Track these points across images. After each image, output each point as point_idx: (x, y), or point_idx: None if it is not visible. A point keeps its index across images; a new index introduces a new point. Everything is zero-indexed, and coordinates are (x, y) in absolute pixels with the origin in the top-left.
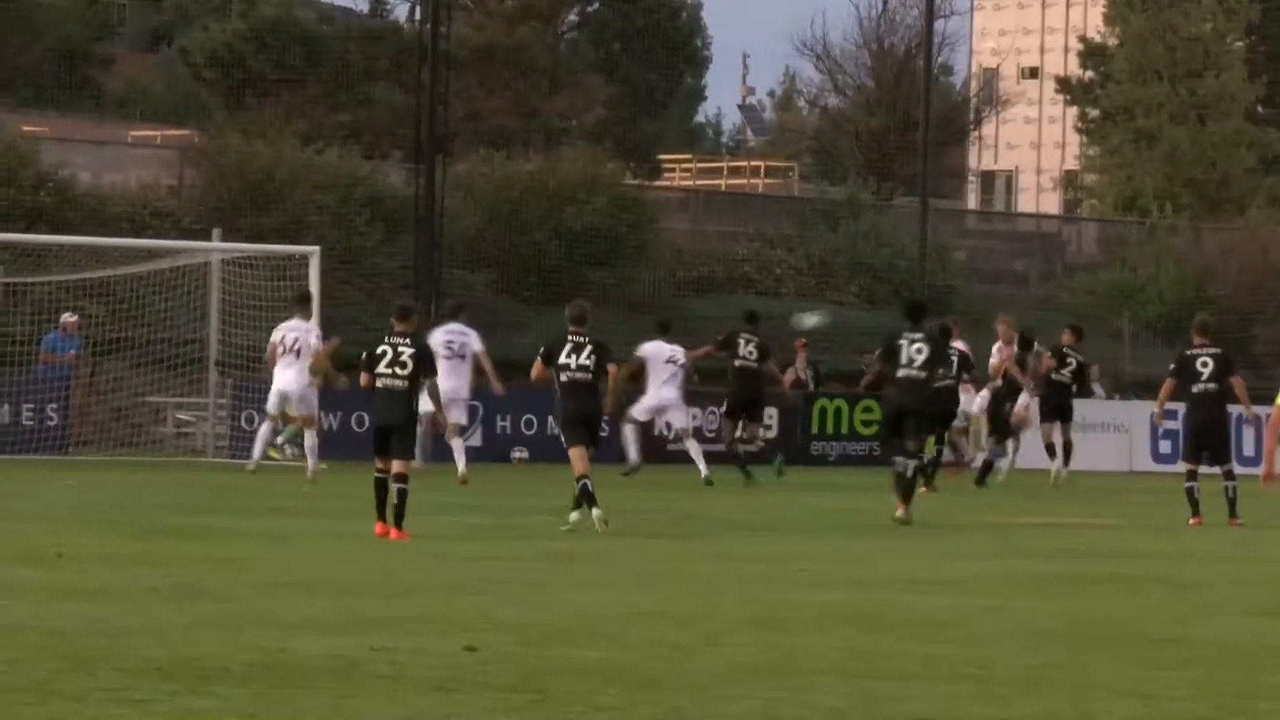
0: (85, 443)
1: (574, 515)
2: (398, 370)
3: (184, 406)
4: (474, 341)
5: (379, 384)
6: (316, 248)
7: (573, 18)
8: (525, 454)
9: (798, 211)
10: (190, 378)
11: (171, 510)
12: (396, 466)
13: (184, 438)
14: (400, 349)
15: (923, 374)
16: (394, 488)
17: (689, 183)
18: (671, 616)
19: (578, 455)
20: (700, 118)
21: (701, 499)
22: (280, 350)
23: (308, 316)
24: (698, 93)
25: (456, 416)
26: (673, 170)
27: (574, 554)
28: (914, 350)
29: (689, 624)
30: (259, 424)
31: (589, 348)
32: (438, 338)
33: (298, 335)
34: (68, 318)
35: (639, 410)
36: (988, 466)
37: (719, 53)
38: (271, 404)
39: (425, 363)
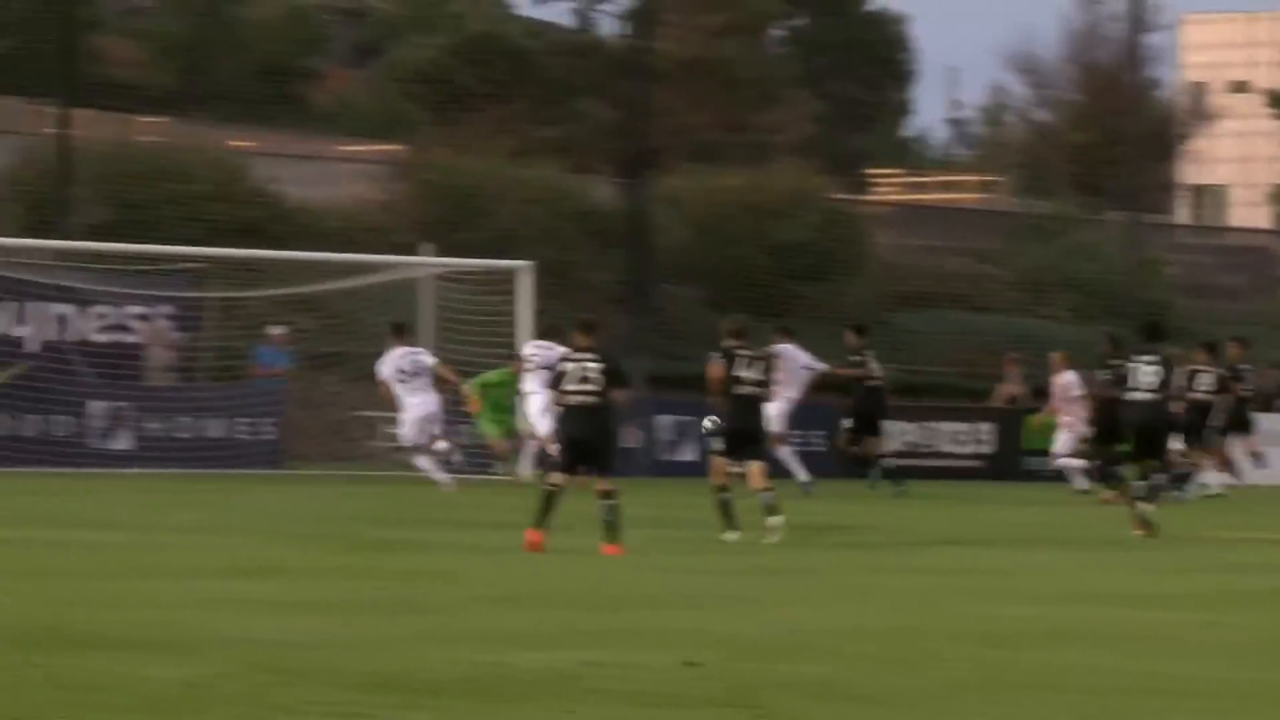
0: (298, 457)
1: (730, 535)
2: (586, 386)
3: (393, 421)
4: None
5: (570, 401)
6: (526, 262)
7: (779, 31)
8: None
9: (1006, 226)
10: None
11: (384, 524)
12: (602, 483)
13: (396, 452)
14: (587, 365)
15: (1155, 396)
16: (602, 504)
17: (897, 197)
18: (885, 631)
19: (722, 467)
20: (908, 132)
21: (908, 513)
22: (402, 378)
23: (413, 342)
24: (905, 107)
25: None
26: (880, 185)
27: (785, 568)
28: (1147, 372)
29: (903, 638)
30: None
31: (764, 363)
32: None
33: (414, 358)
34: (276, 331)
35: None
36: (1182, 478)
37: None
38: (416, 433)
39: (615, 376)
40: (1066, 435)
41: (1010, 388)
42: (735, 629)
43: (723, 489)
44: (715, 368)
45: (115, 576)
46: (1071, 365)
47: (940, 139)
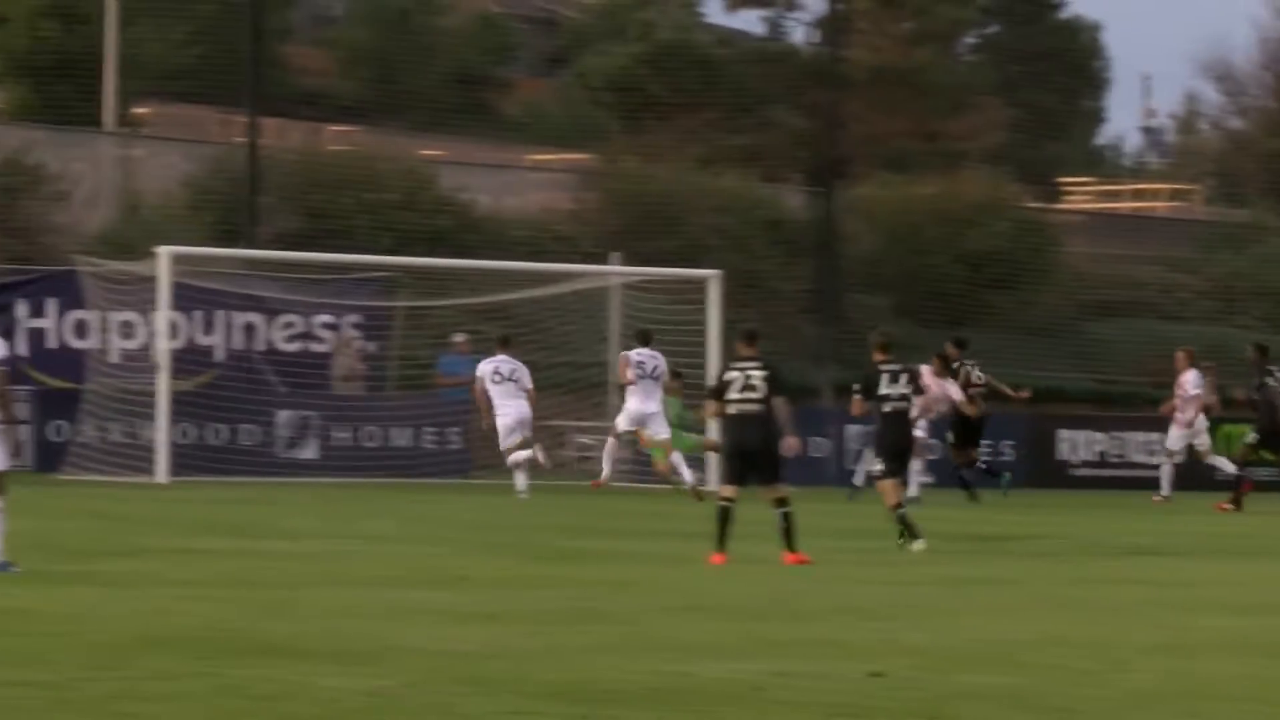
0: (485, 466)
1: (917, 545)
2: (750, 395)
3: (585, 430)
4: (526, 379)
5: (732, 410)
6: (716, 271)
7: (971, 39)
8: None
9: (1200, 234)
10: (591, 401)
11: (571, 533)
12: (774, 491)
13: (585, 461)
14: (751, 373)
15: None
16: (778, 513)
17: (1089, 205)
18: (1077, 642)
19: (891, 487)
20: (1101, 140)
21: (1097, 522)
22: (497, 379)
23: (513, 354)
24: (1098, 115)
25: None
26: (1073, 193)
27: (977, 579)
28: None
29: (1095, 650)
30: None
31: (905, 375)
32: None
33: (514, 368)
34: (459, 338)
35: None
36: None
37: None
38: (505, 440)
39: (776, 384)
40: (1177, 432)
41: (1201, 397)
42: (923, 640)
43: (898, 506)
44: (856, 404)
45: (302, 586)
46: (1194, 363)
47: (1133, 147)
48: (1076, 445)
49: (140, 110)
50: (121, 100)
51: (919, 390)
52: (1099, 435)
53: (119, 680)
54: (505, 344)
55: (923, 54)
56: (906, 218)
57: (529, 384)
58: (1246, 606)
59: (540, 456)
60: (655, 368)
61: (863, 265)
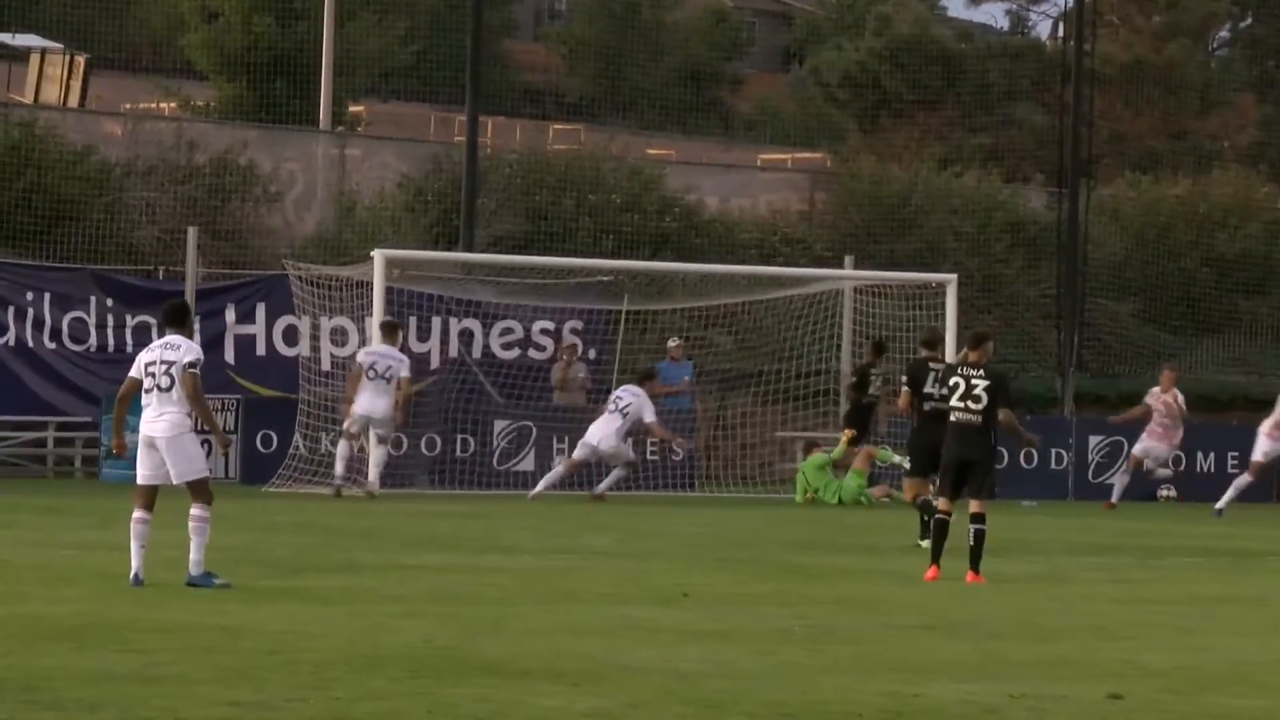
0: (712, 478)
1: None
2: (970, 404)
3: (816, 441)
4: (403, 369)
5: (953, 419)
6: (953, 275)
7: (1224, 34)
8: (1173, 492)
9: None
10: (821, 410)
11: (801, 549)
12: (975, 505)
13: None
14: (974, 380)
15: None
16: (971, 528)
17: None
18: None
19: (914, 485)
20: None
21: None
22: (370, 375)
23: (395, 343)
24: None
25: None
26: None
27: (1222, 597)
28: None
29: None
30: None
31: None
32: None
33: (390, 363)
34: (672, 343)
35: None
36: None
37: None
38: (354, 425)
39: (1001, 394)
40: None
41: None
42: (1168, 660)
43: (917, 498)
44: (903, 397)
45: (518, 603)
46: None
47: None
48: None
49: (356, 109)
50: (337, 98)
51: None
52: None
53: (329, 701)
54: (388, 332)
55: (1174, 48)
56: (1154, 219)
57: (405, 373)
58: None
59: (372, 473)
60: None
61: (1107, 269)
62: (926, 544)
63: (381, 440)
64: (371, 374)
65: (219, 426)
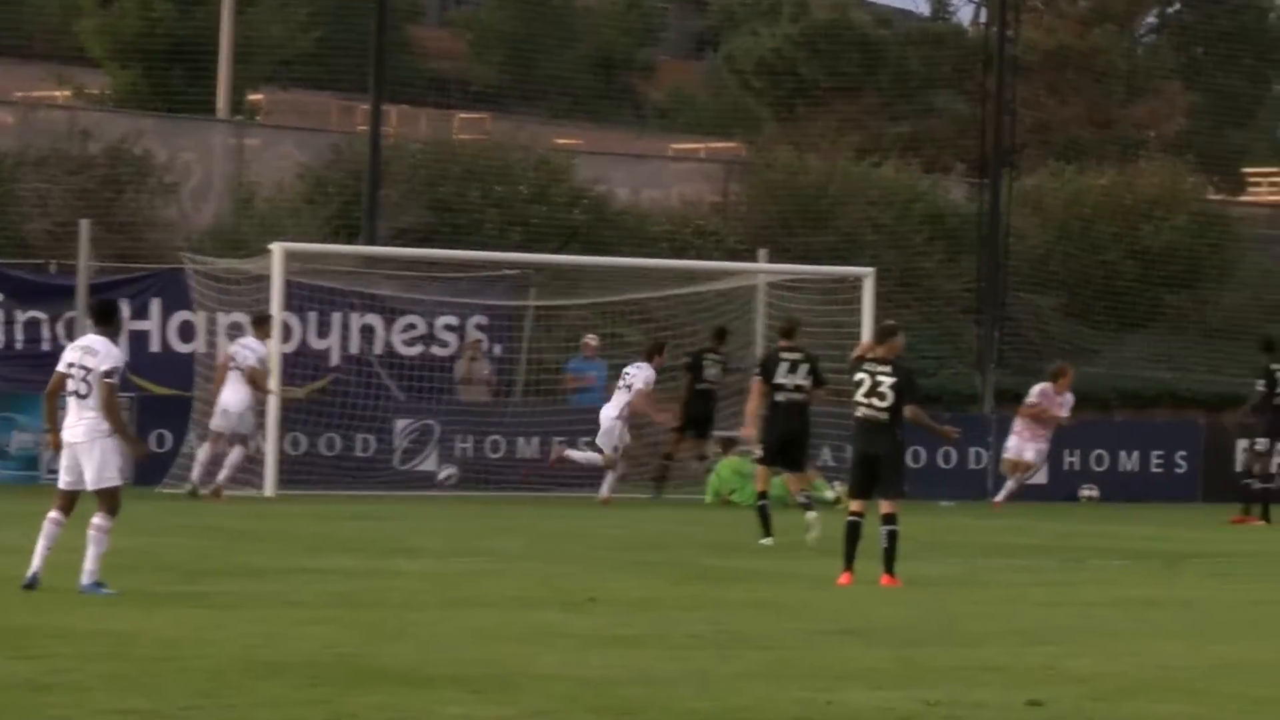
0: (621, 478)
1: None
2: (876, 401)
3: (734, 439)
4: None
5: (858, 414)
6: (871, 269)
7: (1151, 19)
8: (1095, 491)
9: None
10: (734, 409)
11: (714, 551)
12: (885, 506)
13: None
14: (880, 376)
15: None
16: (883, 529)
17: (1277, 198)
18: (1257, 668)
19: (765, 473)
20: None
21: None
22: (231, 367)
23: (263, 337)
24: None
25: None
26: (1259, 185)
27: (1150, 600)
28: None
29: (1275, 677)
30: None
31: (805, 365)
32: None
33: (246, 354)
34: (589, 340)
35: None
36: None
37: None
38: (215, 422)
39: (908, 391)
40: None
41: None
42: (1092, 666)
43: (763, 495)
44: (755, 385)
45: (427, 607)
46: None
47: None
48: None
49: (256, 97)
50: (236, 86)
51: (820, 382)
52: None
53: (225, 709)
54: (258, 326)
55: (1099, 35)
56: (1078, 211)
57: (253, 361)
58: None
59: (223, 474)
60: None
61: (1029, 262)
62: (767, 542)
63: (238, 438)
64: (232, 365)
65: (133, 436)
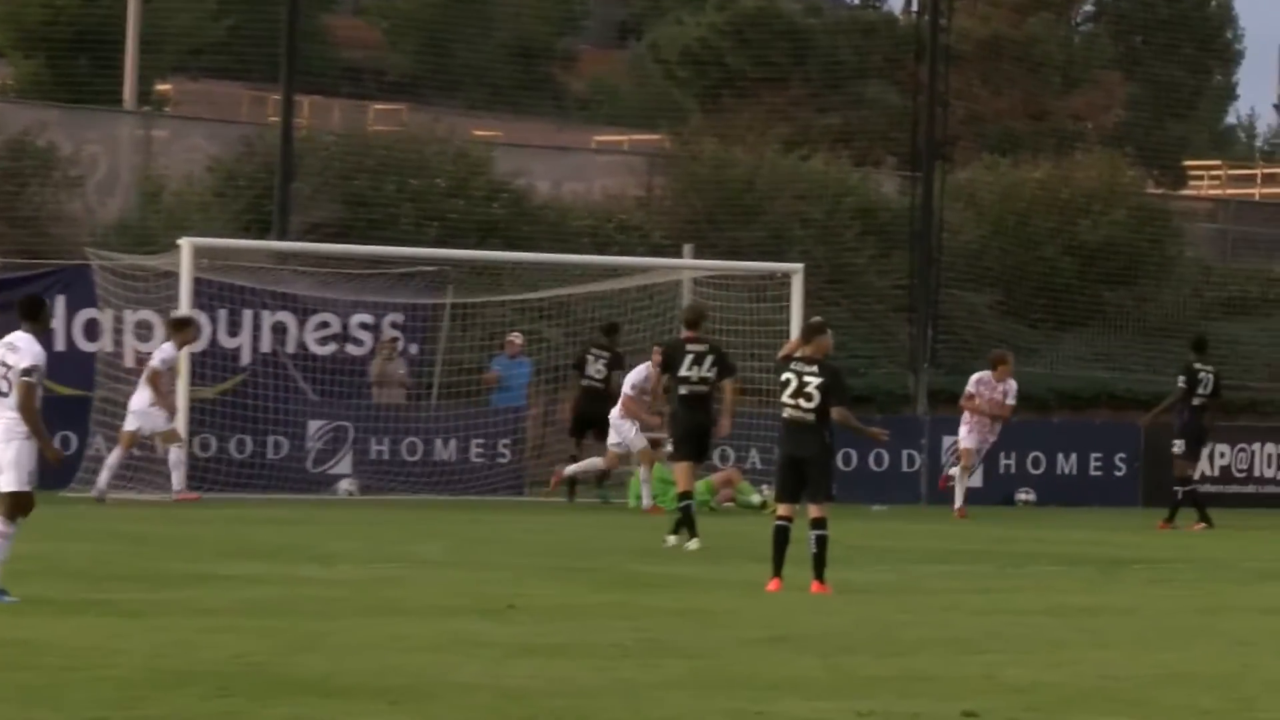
0: (541, 482)
1: (671, 539)
2: (803, 402)
3: (659, 440)
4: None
5: (784, 415)
6: (800, 265)
7: (1088, 8)
8: (1032, 495)
9: None
10: (654, 410)
11: (640, 557)
12: (814, 509)
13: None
14: (806, 376)
15: None
16: (811, 534)
17: (1218, 192)
18: (1202, 678)
19: (685, 471)
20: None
21: (1226, 546)
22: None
23: (181, 343)
24: (1229, 91)
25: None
26: (1200, 178)
27: (1090, 607)
28: None
29: (1220, 687)
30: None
31: (711, 357)
32: None
33: (157, 355)
34: (513, 338)
35: None
36: None
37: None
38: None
39: (835, 391)
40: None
41: None
42: (1030, 675)
43: (684, 496)
44: (656, 380)
45: (343, 615)
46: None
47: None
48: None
49: (164, 87)
50: (143, 76)
51: (726, 373)
52: (1223, 448)
53: None
54: (175, 327)
55: (1035, 24)
56: (1013, 205)
57: (154, 363)
58: None
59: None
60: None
61: (963, 258)
62: (674, 540)
63: (165, 437)
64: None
65: (48, 439)
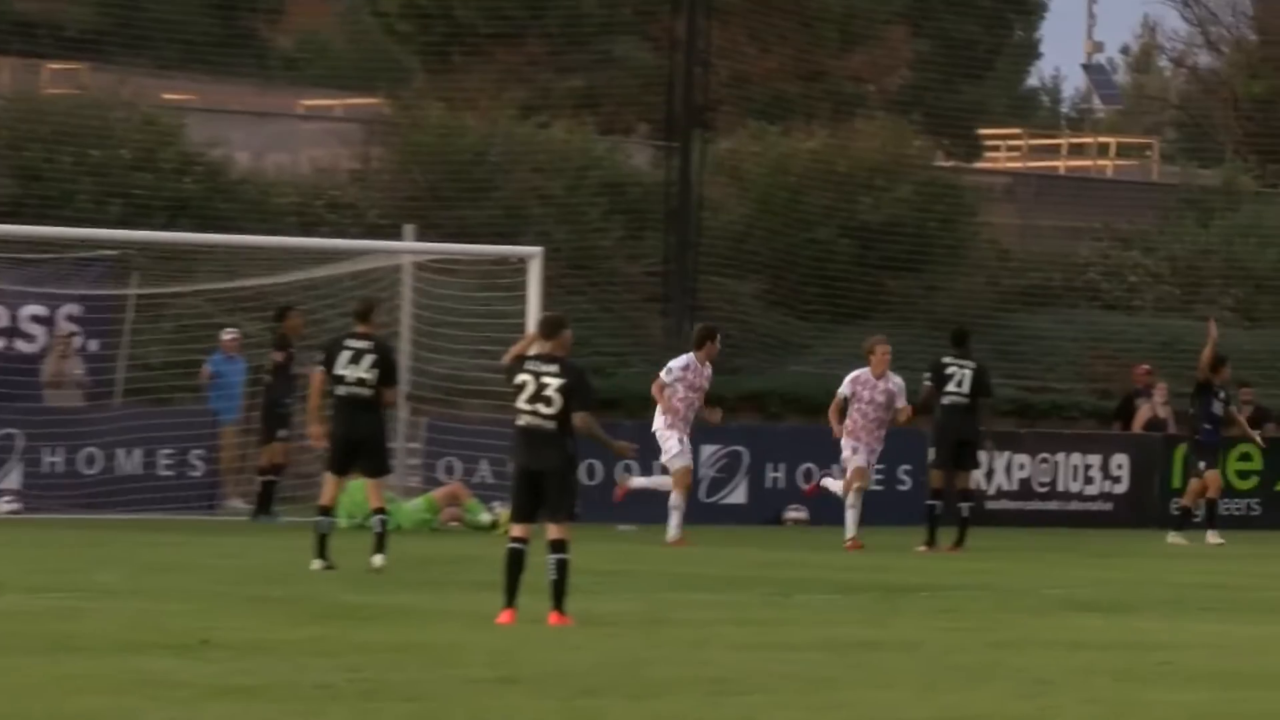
0: (240, 497)
1: (378, 559)
2: (541, 407)
3: None
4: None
5: (520, 422)
6: (539, 249)
7: None
8: (803, 513)
9: (1158, 201)
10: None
11: (350, 585)
12: (553, 530)
13: None
14: (545, 378)
15: None
16: (550, 558)
17: (1018, 165)
18: None
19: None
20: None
21: (1025, 570)
22: None
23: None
24: (1031, 49)
25: None
26: (997, 149)
27: (871, 642)
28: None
29: None
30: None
31: (372, 356)
32: None
33: None
34: (227, 335)
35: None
36: None
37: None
38: None
39: (578, 395)
40: None
41: (1150, 409)
42: (800, 719)
43: (324, 510)
44: (314, 375)
45: (9, 653)
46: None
47: (1074, 91)
48: (993, 470)
49: None
50: None
51: (388, 380)
52: (1023, 458)
53: None
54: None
55: None
56: (783, 179)
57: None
58: (1207, 676)
59: None
60: None
61: (726, 240)
62: (317, 565)
63: None
64: None
65: None
